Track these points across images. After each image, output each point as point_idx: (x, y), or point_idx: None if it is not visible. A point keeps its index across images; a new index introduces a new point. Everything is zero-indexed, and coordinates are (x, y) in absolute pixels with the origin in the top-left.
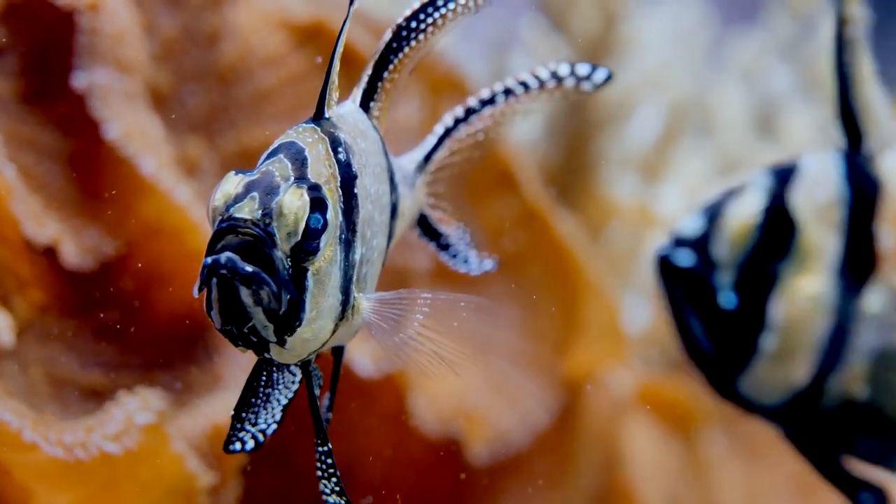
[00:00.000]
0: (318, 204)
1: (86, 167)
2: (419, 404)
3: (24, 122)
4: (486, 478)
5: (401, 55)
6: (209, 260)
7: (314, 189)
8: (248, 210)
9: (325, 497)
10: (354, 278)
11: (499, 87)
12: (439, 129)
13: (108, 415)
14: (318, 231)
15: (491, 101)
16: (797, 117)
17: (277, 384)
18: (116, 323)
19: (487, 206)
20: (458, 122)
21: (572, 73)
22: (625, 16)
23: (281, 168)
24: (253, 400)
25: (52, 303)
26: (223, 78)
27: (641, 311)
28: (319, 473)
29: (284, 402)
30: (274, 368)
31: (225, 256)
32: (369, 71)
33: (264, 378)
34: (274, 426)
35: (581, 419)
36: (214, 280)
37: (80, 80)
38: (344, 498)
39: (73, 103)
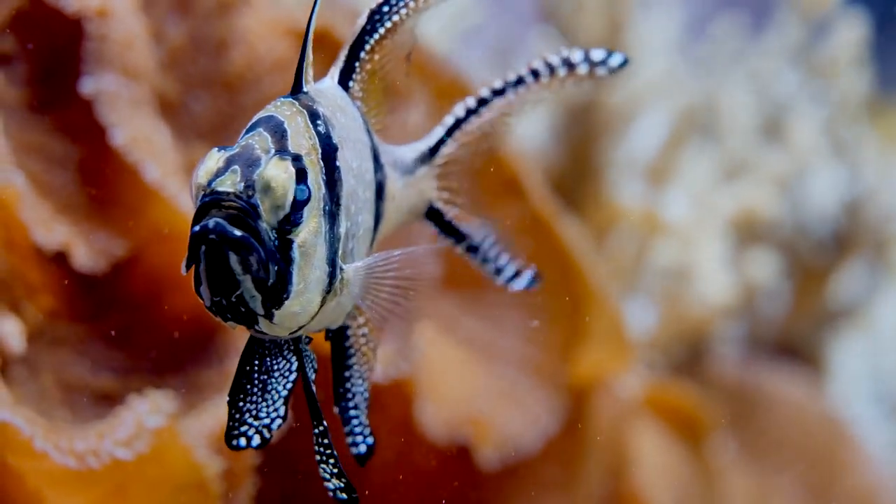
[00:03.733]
0: (301, 175)
1: (95, 173)
2: (426, 411)
3: (33, 129)
4: (494, 484)
5: (376, 35)
6: (197, 228)
7: (297, 160)
8: (230, 183)
9: (326, 483)
10: (340, 252)
11: (511, 77)
12: (449, 121)
13: (119, 419)
14: (302, 202)
15: (501, 91)
16: (805, 121)
17: (273, 371)
18: (127, 327)
19: (493, 211)
20: (469, 113)
21: (586, 58)
22: (630, 22)
23: (261, 141)
24: (248, 387)
25: (62, 308)
26: (230, 85)
27: (647, 315)
28: (318, 457)
29: (285, 393)
30: (266, 352)
31: (213, 221)
32: (346, 51)
33: (257, 362)
34: (279, 421)
35: (589, 425)
36: (203, 249)
37: (87, 86)
38: (343, 479)
39: (81, 109)
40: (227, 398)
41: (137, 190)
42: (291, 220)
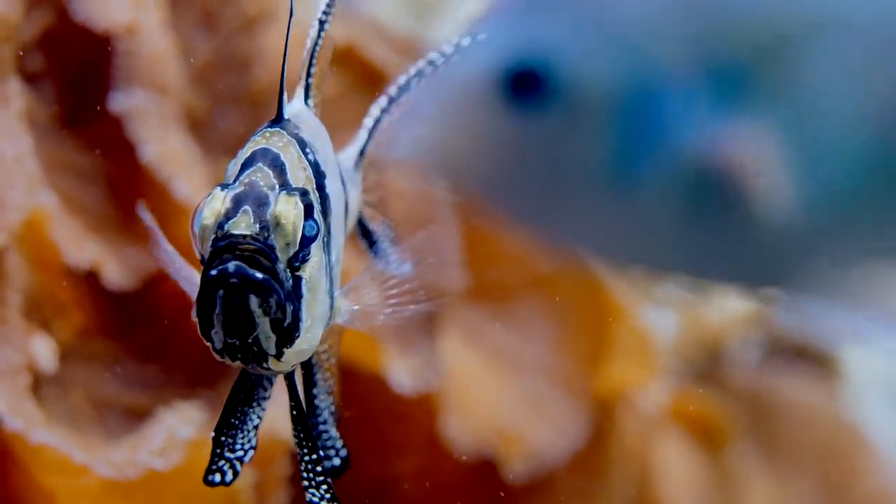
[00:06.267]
0: (309, 210)
1: (125, 189)
2: (452, 423)
3: (63, 147)
4: (521, 497)
5: (318, 47)
6: (214, 272)
7: (304, 195)
8: (244, 225)
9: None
10: (334, 281)
11: (413, 71)
12: (369, 123)
13: (151, 431)
14: (311, 238)
15: (407, 86)
16: None
17: (253, 402)
18: (157, 343)
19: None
20: (383, 112)
21: (458, 46)
22: None
23: (264, 176)
24: (233, 420)
25: (93, 326)
26: (256, 101)
27: (667, 323)
28: (306, 483)
29: (258, 422)
30: (259, 386)
31: (233, 265)
32: (304, 68)
33: (244, 395)
34: (252, 453)
35: (615, 436)
36: (221, 293)
37: (117, 103)
38: (336, 502)
39: (110, 126)
40: (213, 434)
41: (167, 206)
42: (300, 256)
